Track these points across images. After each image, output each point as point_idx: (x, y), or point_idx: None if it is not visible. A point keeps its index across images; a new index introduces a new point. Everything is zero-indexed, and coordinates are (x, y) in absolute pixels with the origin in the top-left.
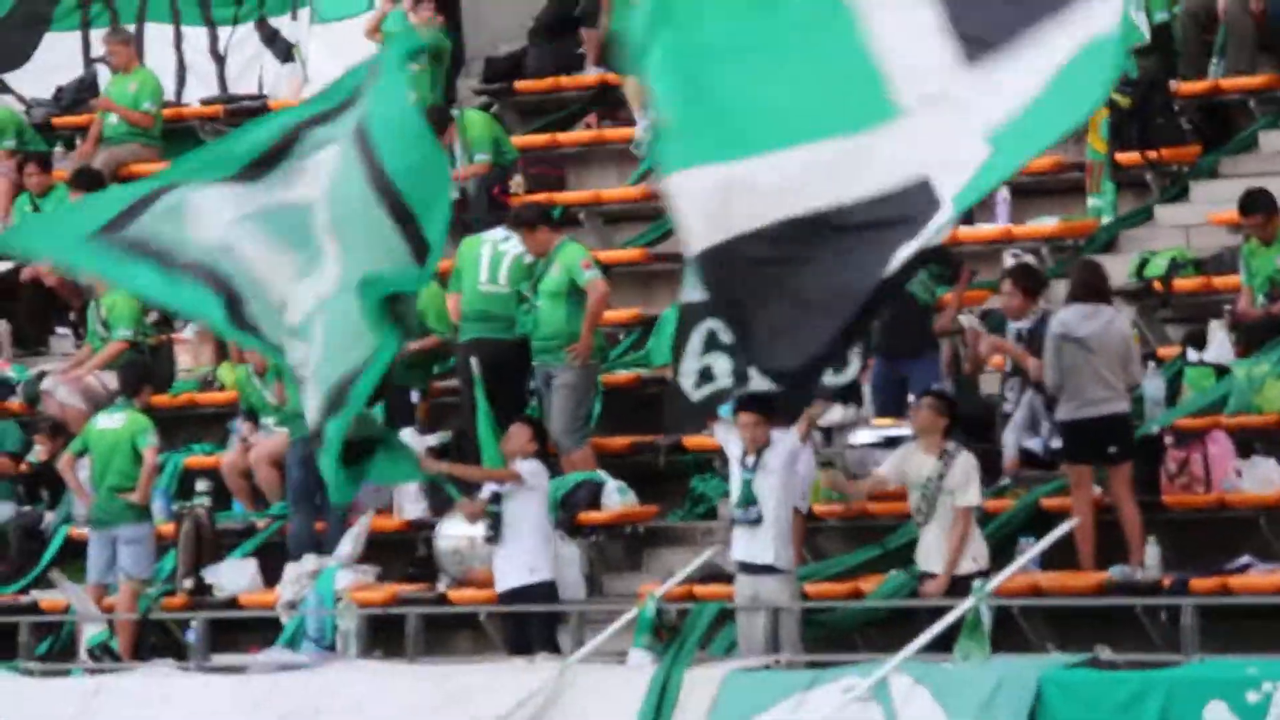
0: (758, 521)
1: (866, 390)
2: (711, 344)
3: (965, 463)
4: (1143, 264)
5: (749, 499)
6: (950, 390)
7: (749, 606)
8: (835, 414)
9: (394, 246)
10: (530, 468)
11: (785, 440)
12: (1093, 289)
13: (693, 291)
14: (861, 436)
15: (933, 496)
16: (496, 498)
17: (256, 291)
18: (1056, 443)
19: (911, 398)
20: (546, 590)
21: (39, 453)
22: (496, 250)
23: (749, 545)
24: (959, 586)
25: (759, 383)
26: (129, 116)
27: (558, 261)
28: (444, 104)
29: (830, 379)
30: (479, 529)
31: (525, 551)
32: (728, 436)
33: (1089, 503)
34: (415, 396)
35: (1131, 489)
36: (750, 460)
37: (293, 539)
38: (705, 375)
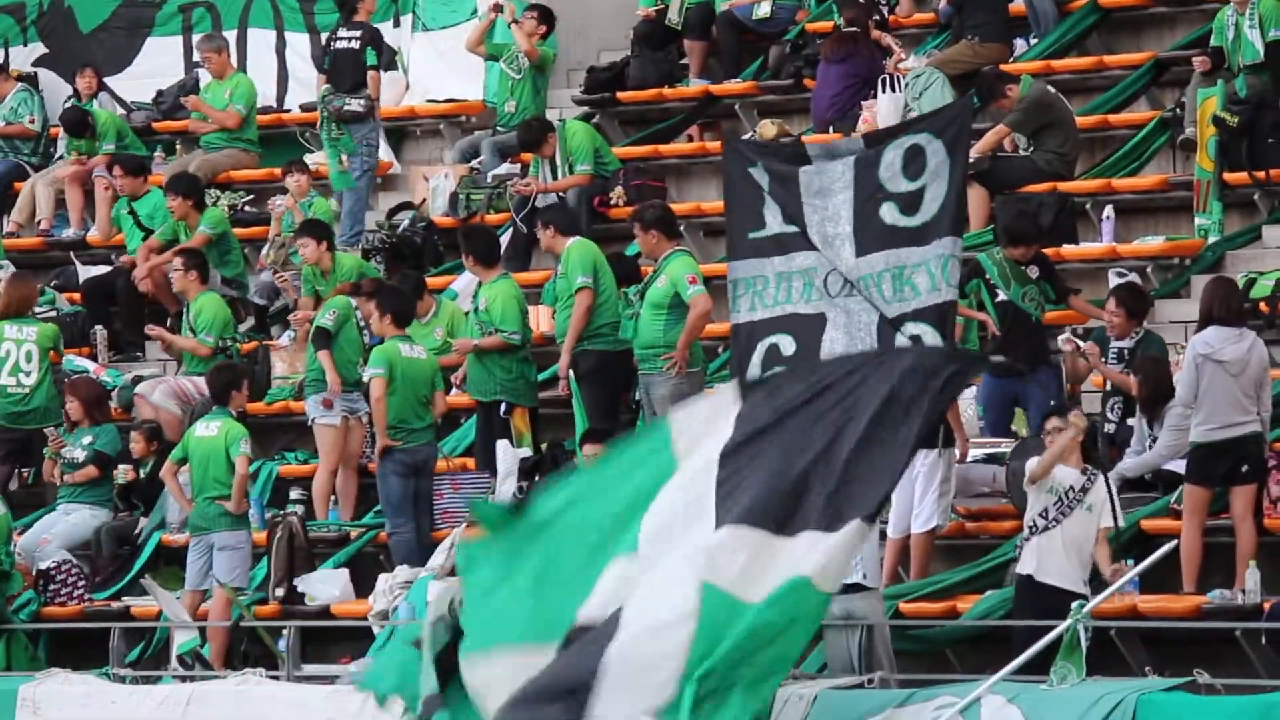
0: None
1: (974, 410)
2: (772, 359)
3: (1107, 485)
4: (1249, 284)
5: None
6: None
7: (842, 623)
8: None
9: None
10: None
11: None
12: (1235, 311)
13: (743, 312)
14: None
15: (1070, 507)
16: None
17: None
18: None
19: (1019, 413)
20: None
21: (135, 452)
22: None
23: None
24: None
25: None
26: (215, 116)
27: (665, 273)
28: (544, 114)
29: None
30: None
31: None
32: None
33: (1201, 526)
34: (504, 409)
35: (1253, 511)
36: None
37: (397, 549)
38: None
